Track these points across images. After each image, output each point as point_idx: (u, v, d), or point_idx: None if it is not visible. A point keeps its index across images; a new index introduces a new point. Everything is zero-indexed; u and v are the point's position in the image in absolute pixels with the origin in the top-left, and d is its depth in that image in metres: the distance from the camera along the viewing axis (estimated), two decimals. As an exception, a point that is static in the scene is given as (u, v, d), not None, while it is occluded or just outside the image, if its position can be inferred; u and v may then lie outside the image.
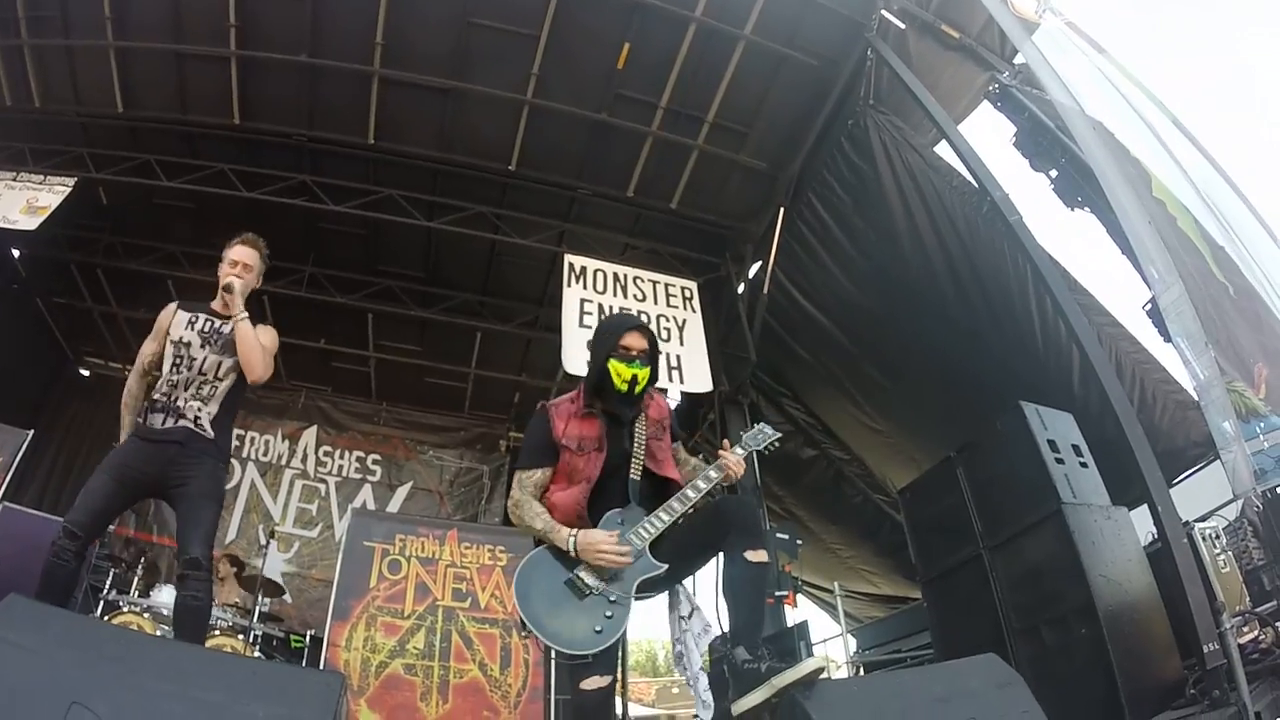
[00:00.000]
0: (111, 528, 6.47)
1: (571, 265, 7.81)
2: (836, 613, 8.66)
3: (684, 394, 8.19)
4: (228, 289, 3.27)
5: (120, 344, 10.07)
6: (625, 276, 8.02)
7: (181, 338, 3.23)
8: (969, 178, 5.85)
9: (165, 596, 5.42)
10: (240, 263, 3.37)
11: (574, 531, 2.34)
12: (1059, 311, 4.80)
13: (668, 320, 7.91)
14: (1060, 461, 4.03)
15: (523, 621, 2.24)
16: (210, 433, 3.13)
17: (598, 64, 7.12)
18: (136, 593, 5.68)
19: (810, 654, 6.22)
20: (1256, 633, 3.81)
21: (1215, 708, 3.00)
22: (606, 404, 2.58)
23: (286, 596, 7.98)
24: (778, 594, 7.27)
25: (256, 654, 5.68)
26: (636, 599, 2.32)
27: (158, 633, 5.07)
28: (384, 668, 5.48)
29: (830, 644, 9.46)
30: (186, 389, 3.14)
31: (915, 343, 7.38)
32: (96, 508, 2.92)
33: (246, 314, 3.26)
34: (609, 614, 2.24)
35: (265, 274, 3.61)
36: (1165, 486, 3.78)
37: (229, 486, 9.29)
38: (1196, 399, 4.44)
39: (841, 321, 8.07)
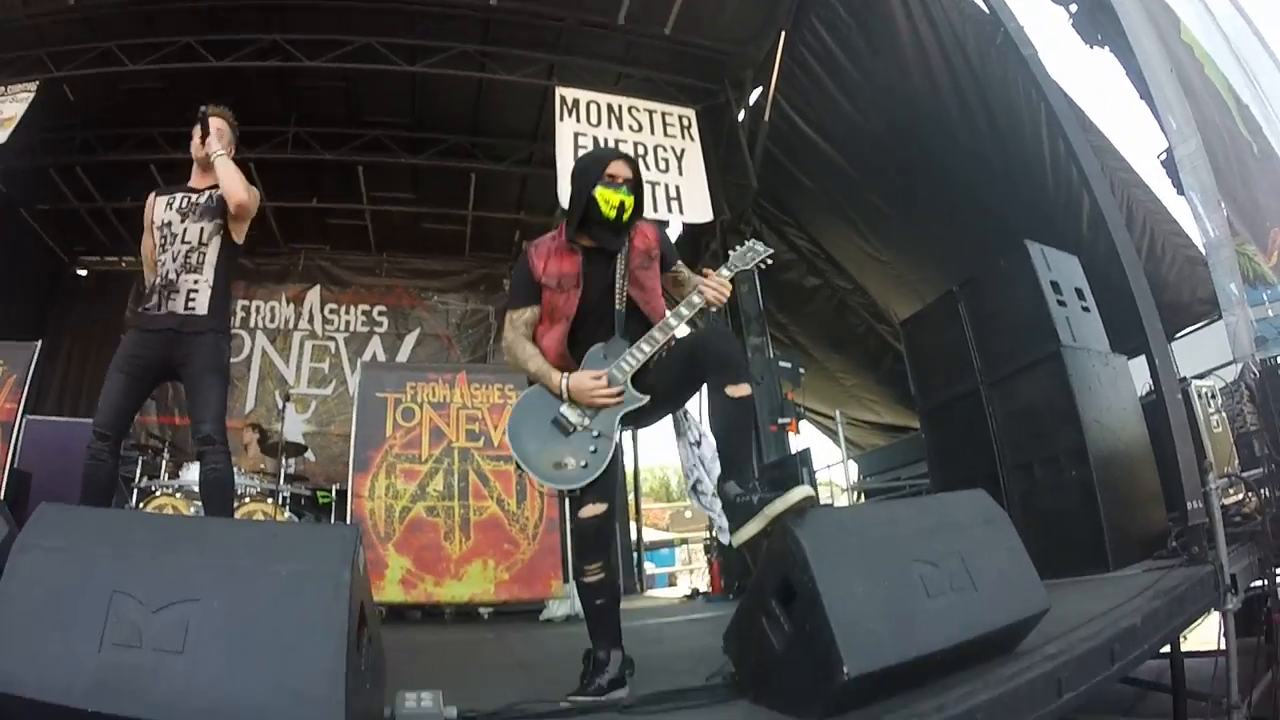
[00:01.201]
0: (135, 418, 6.65)
1: (563, 98, 7.44)
2: (839, 439, 8.98)
3: (685, 225, 8.06)
4: (205, 128, 3.22)
5: (113, 237, 9.96)
6: (620, 107, 7.68)
7: (164, 220, 3.23)
8: (981, 4, 5.42)
9: (194, 474, 5.52)
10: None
11: (566, 376, 2.43)
12: (1071, 154, 4.53)
13: (665, 150, 7.66)
14: (1062, 304, 4.00)
15: (517, 461, 2.41)
16: (204, 311, 3.16)
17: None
18: (166, 475, 5.89)
19: (813, 480, 6.50)
20: (1241, 496, 3.87)
21: (1193, 564, 3.06)
22: (593, 235, 2.56)
23: (309, 455, 8.27)
24: (781, 421, 7.51)
25: (287, 514, 5.98)
26: (622, 429, 2.43)
27: (190, 510, 5.33)
28: (407, 512, 5.75)
29: (833, 470, 9.90)
30: (175, 261, 3.17)
31: (921, 172, 7.12)
32: (117, 404, 3.09)
33: (224, 152, 3.22)
34: (593, 449, 2.36)
35: (247, 140, 3.49)
36: (1165, 338, 3.71)
37: (240, 358, 9.51)
38: (1205, 255, 4.33)
39: (845, 148, 7.78)
